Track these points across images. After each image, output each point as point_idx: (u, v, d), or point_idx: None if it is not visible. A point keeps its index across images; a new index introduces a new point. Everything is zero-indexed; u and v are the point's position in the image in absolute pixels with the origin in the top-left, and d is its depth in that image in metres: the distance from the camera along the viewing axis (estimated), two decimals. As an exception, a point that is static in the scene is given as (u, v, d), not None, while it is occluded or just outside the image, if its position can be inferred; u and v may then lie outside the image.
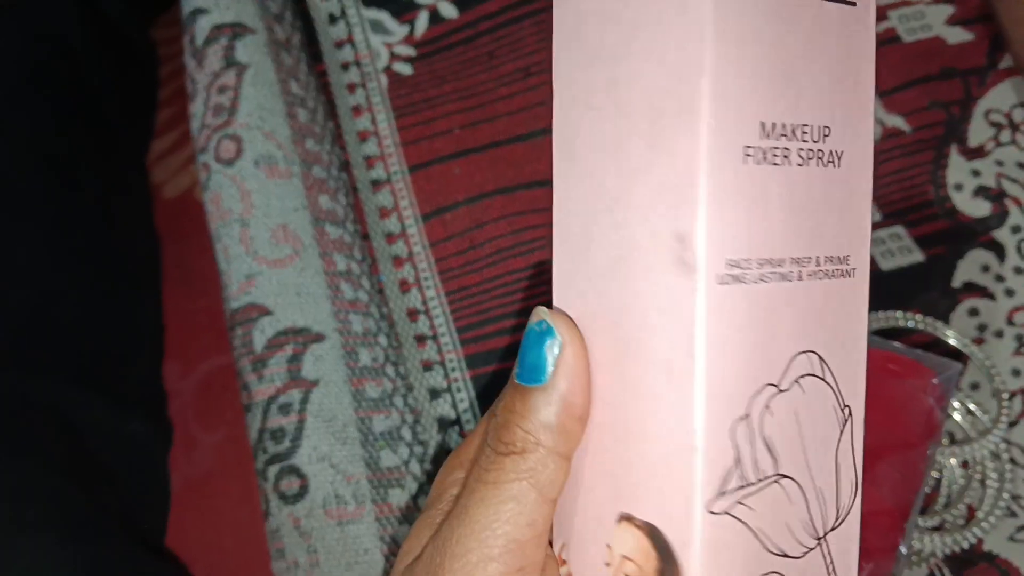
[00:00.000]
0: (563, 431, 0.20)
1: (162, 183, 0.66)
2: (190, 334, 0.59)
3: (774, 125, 0.19)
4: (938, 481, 0.38)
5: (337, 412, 0.36)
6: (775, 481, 0.20)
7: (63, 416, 0.46)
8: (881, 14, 0.47)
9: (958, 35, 0.46)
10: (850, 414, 0.20)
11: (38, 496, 0.42)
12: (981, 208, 0.43)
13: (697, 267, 0.18)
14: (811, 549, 0.20)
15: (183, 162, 0.66)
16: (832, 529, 0.20)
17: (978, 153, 0.44)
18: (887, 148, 0.45)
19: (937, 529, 0.37)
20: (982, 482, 0.38)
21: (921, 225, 0.43)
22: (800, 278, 0.19)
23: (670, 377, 0.19)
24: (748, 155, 0.18)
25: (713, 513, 0.19)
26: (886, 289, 0.42)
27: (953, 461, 0.38)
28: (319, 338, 0.38)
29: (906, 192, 0.44)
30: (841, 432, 0.20)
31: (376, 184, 0.45)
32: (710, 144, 0.18)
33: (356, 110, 0.46)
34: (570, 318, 0.21)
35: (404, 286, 0.43)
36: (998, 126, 0.45)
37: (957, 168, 0.44)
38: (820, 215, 0.20)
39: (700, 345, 0.18)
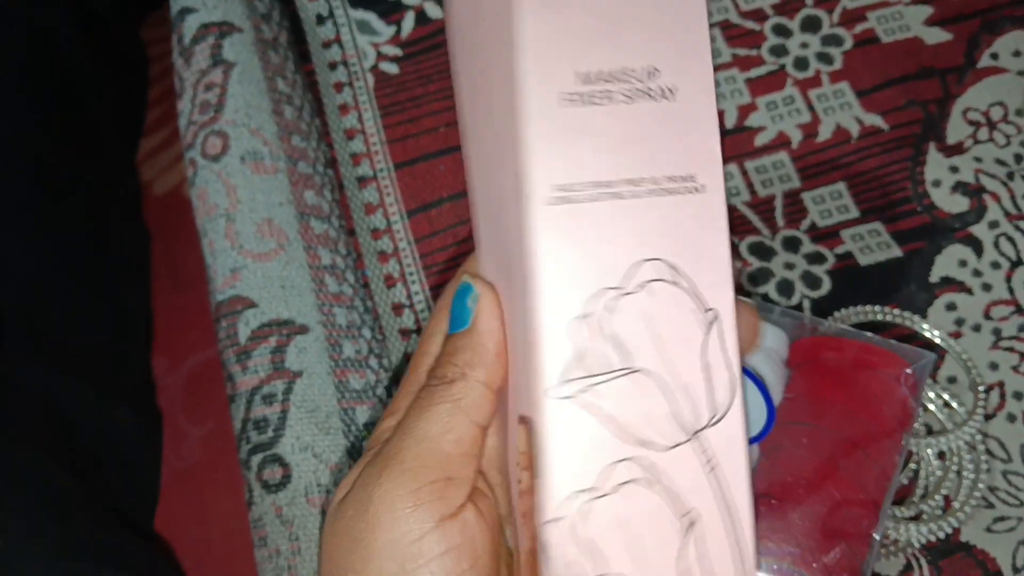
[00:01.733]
0: (483, 363, 0.24)
1: (151, 180, 0.66)
2: (177, 329, 0.60)
3: (589, 74, 0.22)
4: (915, 472, 0.39)
5: (320, 403, 0.37)
6: (625, 374, 0.22)
7: (53, 405, 0.47)
8: (860, 14, 0.48)
9: (936, 35, 0.47)
10: (716, 316, 0.22)
11: (28, 478, 0.43)
12: (959, 204, 0.44)
13: (526, 193, 0.21)
14: (681, 443, 0.22)
15: (172, 160, 0.66)
16: (708, 426, 0.22)
17: (956, 150, 0.45)
18: (865, 146, 0.45)
19: (914, 519, 0.38)
20: (959, 473, 0.39)
21: (899, 221, 0.44)
22: (636, 196, 0.22)
23: (521, 289, 0.22)
24: (567, 100, 0.22)
25: (556, 399, 0.22)
26: (865, 284, 0.42)
27: (930, 452, 0.38)
28: (303, 330, 0.38)
29: (884, 189, 0.44)
30: (707, 333, 0.22)
31: (362, 181, 0.45)
32: (524, 96, 0.21)
33: (343, 108, 0.47)
34: (488, 282, 0.25)
35: (389, 281, 0.44)
36: (976, 124, 0.45)
37: (935, 165, 0.45)
38: (655, 141, 0.22)
39: (531, 256, 0.21)
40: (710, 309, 0.22)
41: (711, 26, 0.48)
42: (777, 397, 0.35)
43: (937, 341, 0.41)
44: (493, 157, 0.24)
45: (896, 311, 0.41)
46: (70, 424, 0.47)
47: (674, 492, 0.22)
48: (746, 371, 0.35)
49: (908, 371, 0.34)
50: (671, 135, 0.22)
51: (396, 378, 0.41)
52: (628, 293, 0.22)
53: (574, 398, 0.22)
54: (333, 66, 0.48)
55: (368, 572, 0.22)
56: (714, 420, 0.22)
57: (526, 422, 0.22)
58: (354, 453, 0.37)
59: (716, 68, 0.47)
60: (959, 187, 0.44)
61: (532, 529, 0.22)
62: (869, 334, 0.35)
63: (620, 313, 0.22)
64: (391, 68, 0.47)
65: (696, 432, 0.22)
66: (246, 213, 0.39)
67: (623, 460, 0.22)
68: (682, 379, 0.22)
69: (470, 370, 0.24)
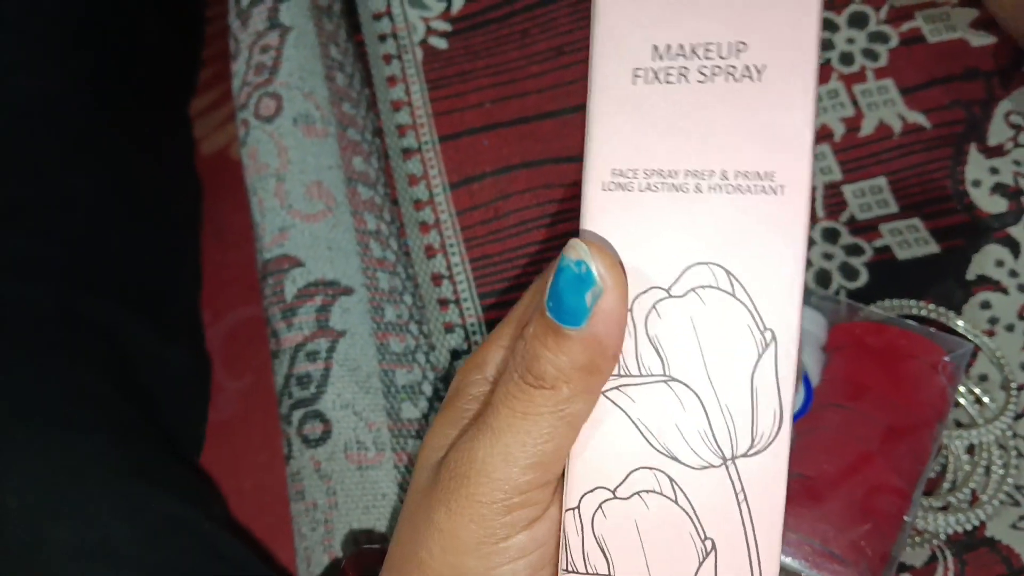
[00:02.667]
0: (596, 371, 0.20)
1: (199, 139, 0.67)
2: (220, 285, 0.61)
3: (668, 47, 0.20)
4: (944, 465, 0.39)
5: (362, 362, 0.37)
6: (664, 382, 0.20)
7: (113, 337, 0.48)
8: (907, 13, 0.48)
9: (982, 38, 0.47)
10: (773, 338, 0.19)
11: (89, 400, 0.44)
12: (998, 205, 0.44)
13: (585, 175, 0.20)
14: (713, 466, 0.20)
15: (220, 121, 0.67)
16: (745, 455, 0.20)
17: (997, 152, 0.45)
18: (907, 143, 0.45)
19: (942, 509, 0.38)
20: (987, 469, 0.39)
21: (938, 218, 0.44)
22: (699, 190, 0.20)
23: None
24: (638, 76, 0.20)
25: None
26: (901, 278, 0.43)
27: (959, 444, 0.39)
28: (347, 291, 0.39)
29: (924, 186, 0.45)
30: (760, 355, 0.19)
31: (407, 152, 0.46)
32: (597, 70, 0.20)
33: (391, 80, 0.47)
34: (612, 253, 0.20)
35: (430, 251, 0.44)
36: (1017, 127, 0.46)
37: (976, 165, 0.45)
38: (729, 129, 0.20)
39: (587, 240, 0.20)
40: (768, 329, 0.19)
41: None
42: (814, 379, 0.36)
43: (970, 338, 0.41)
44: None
45: (931, 306, 0.41)
46: (128, 357, 0.49)
47: (697, 513, 0.20)
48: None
49: (946, 359, 0.35)
50: (751, 123, 0.19)
51: (433, 347, 0.41)
52: (675, 296, 0.20)
53: (604, 393, 0.21)
54: (383, 38, 0.48)
55: (447, 563, 0.21)
56: (753, 450, 0.20)
57: None
58: (392, 414, 0.37)
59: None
60: (998, 188, 0.45)
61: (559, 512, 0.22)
62: (909, 321, 0.36)
63: (666, 316, 0.20)
64: (440, 43, 0.48)
65: (732, 458, 0.20)
66: (296, 174, 0.40)
67: (648, 468, 0.21)
68: (723, 399, 0.20)
69: (577, 379, 0.20)
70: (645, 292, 0.20)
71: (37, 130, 0.49)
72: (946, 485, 0.39)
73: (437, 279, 0.44)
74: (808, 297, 0.38)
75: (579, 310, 0.19)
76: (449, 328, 0.42)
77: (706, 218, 0.20)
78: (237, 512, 0.55)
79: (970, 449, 0.39)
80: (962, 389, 0.40)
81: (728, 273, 0.20)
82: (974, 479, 0.39)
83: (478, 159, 0.46)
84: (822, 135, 0.46)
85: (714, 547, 0.20)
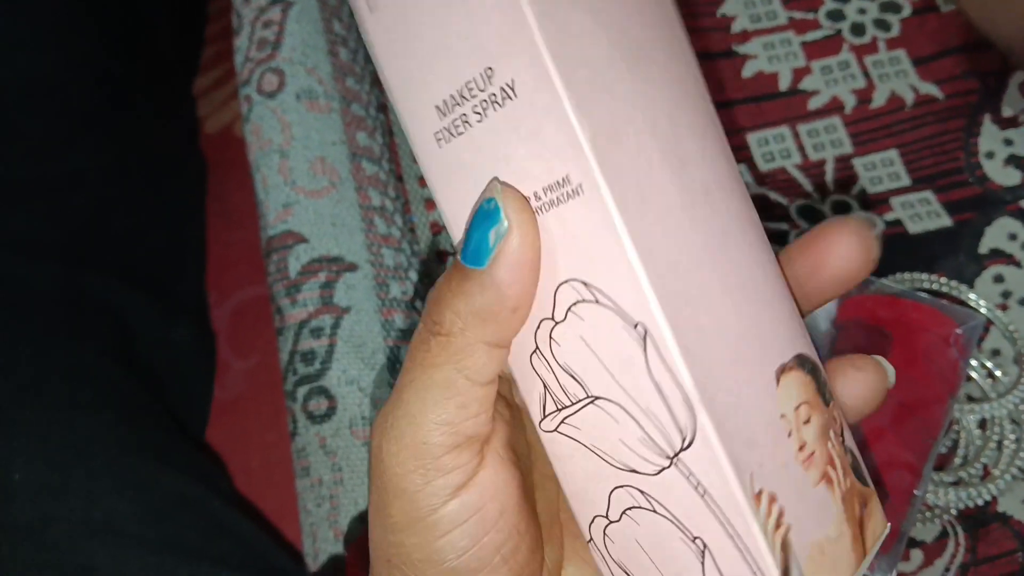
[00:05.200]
0: (494, 320, 0.19)
1: (204, 118, 0.67)
2: (225, 264, 0.61)
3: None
4: (955, 439, 0.39)
5: (367, 339, 0.37)
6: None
7: (118, 315, 0.48)
8: (920, -18, 0.47)
9: (997, 7, 0.46)
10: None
11: (93, 379, 0.44)
12: (1012, 177, 0.43)
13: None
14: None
15: (224, 99, 0.67)
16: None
17: (1011, 123, 0.44)
18: (919, 114, 0.45)
19: (953, 484, 0.38)
20: (999, 443, 0.38)
21: (951, 191, 0.43)
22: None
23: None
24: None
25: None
26: (913, 251, 0.42)
27: (971, 419, 0.38)
28: (352, 267, 0.38)
29: (937, 158, 0.44)
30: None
31: (412, 128, 0.46)
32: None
33: (395, 55, 0.47)
34: (525, 199, 0.19)
35: (435, 228, 0.44)
36: (1033, 98, 0.45)
37: (989, 137, 0.44)
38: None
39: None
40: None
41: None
42: (824, 353, 0.35)
43: (983, 312, 0.40)
44: None
45: (943, 280, 0.40)
46: (133, 336, 0.49)
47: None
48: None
49: (958, 332, 0.34)
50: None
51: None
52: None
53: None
54: (387, 13, 0.48)
55: (389, 543, 0.21)
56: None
57: (803, 364, 0.21)
58: (398, 390, 0.37)
59: (772, 30, 0.47)
60: (1012, 160, 0.44)
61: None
62: (921, 294, 0.35)
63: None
64: (444, 17, 0.47)
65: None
66: (300, 150, 0.39)
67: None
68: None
69: (473, 326, 0.19)
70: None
71: (40, 109, 0.49)
72: (957, 460, 0.39)
73: (443, 256, 0.43)
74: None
75: (483, 249, 0.19)
76: (455, 305, 0.42)
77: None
78: (244, 489, 0.55)
79: (982, 424, 0.39)
80: (974, 363, 0.39)
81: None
82: (986, 454, 0.38)
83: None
84: (833, 107, 0.45)
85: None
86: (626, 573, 0.21)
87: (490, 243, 0.19)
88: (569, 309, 0.19)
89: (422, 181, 0.45)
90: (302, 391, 0.37)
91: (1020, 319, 0.41)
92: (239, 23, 0.43)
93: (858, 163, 0.44)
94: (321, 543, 0.35)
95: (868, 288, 0.37)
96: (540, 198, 0.19)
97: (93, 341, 0.46)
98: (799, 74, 0.46)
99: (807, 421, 0.20)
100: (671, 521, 0.20)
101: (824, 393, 0.21)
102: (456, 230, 0.20)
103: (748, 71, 0.46)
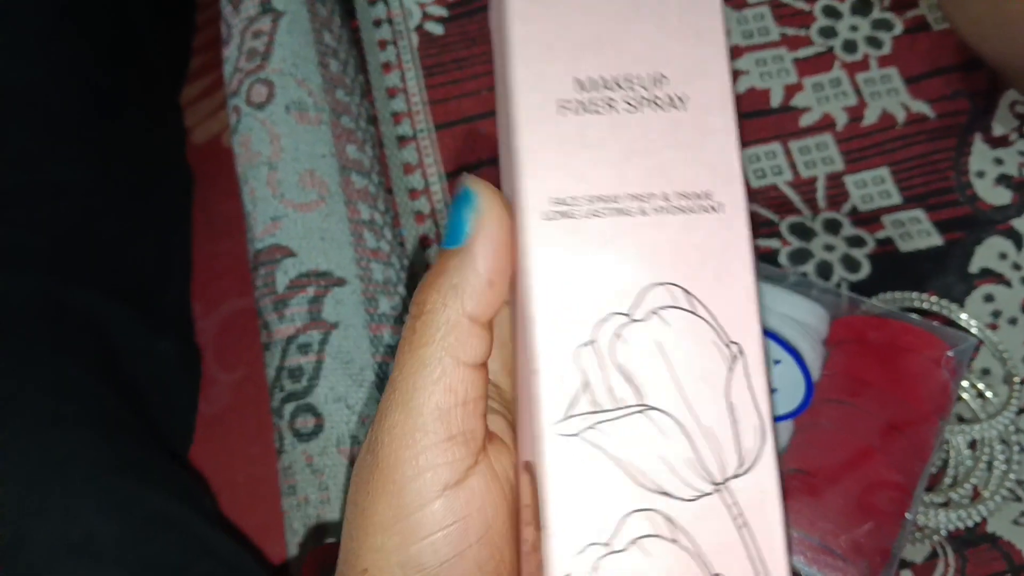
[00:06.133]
0: (472, 294, 0.20)
1: (191, 128, 0.67)
2: (212, 276, 0.60)
3: (591, 79, 0.21)
4: (945, 460, 0.39)
5: (355, 355, 0.37)
6: (638, 411, 0.19)
7: (101, 329, 0.47)
8: (911, 0, 0.47)
9: (987, 26, 0.47)
10: (740, 351, 0.19)
11: (75, 393, 0.43)
12: (1002, 196, 0.43)
13: (523, 206, 0.20)
14: (707, 494, 0.19)
15: (213, 109, 0.66)
16: (735, 476, 0.19)
17: (1002, 142, 0.44)
18: (911, 133, 0.45)
19: (943, 505, 0.38)
20: (989, 464, 0.38)
21: (941, 210, 0.43)
22: (644, 213, 0.20)
23: (521, 312, 0.20)
24: (564, 107, 0.20)
25: (560, 436, 0.19)
26: (904, 270, 0.42)
27: (961, 440, 0.38)
28: (340, 282, 0.38)
29: (927, 177, 0.44)
30: (731, 370, 0.19)
31: (402, 140, 0.45)
32: (519, 104, 0.20)
33: (386, 67, 0.47)
34: (495, 189, 0.21)
35: (425, 242, 0.43)
36: (1022, 118, 0.45)
37: (980, 156, 0.44)
38: (663, 153, 0.20)
39: (530, 273, 0.20)
40: (734, 343, 0.19)
41: (728, 31, 0.48)
42: (815, 373, 0.35)
43: (973, 331, 0.40)
44: (506, 168, 0.22)
45: (934, 299, 0.40)
46: (116, 350, 0.48)
47: (700, 550, 0.19)
48: (784, 345, 0.35)
49: (949, 354, 0.34)
50: (682, 147, 0.20)
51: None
52: (638, 320, 0.20)
53: (580, 435, 0.19)
54: (378, 23, 0.47)
55: (368, 546, 0.20)
56: (742, 470, 0.19)
57: (530, 469, 0.20)
58: (386, 407, 0.37)
59: (764, 46, 0.47)
60: (1003, 180, 0.44)
61: None
62: (912, 315, 0.35)
63: (630, 342, 0.19)
64: (436, 28, 0.47)
65: (722, 482, 0.19)
66: (289, 162, 0.39)
67: (640, 510, 0.19)
68: (703, 421, 0.19)
69: (452, 299, 0.20)
70: (605, 319, 0.20)
71: (22, 118, 0.48)
72: (947, 481, 0.39)
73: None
74: (809, 290, 0.37)
75: (460, 229, 0.20)
76: (444, 320, 0.41)
77: (655, 240, 0.20)
78: (229, 506, 0.55)
79: (972, 444, 0.39)
80: (964, 383, 0.39)
81: (685, 292, 0.20)
82: (976, 475, 0.38)
83: (475, 147, 0.45)
84: (824, 124, 0.45)
85: None
86: None
87: (466, 223, 0.20)
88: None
89: (413, 194, 0.44)
90: (289, 408, 0.36)
91: (1010, 339, 0.41)
92: (228, 33, 0.42)
93: (849, 181, 0.44)
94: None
95: (859, 308, 0.37)
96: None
97: (75, 355, 0.45)
98: (791, 91, 0.46)
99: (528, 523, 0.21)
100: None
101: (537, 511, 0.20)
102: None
103: (740, 87, 0.46)
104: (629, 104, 0.20)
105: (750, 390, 0.19)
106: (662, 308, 0.19)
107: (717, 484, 0.19)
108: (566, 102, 0.20)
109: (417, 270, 0.43)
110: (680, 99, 0.20)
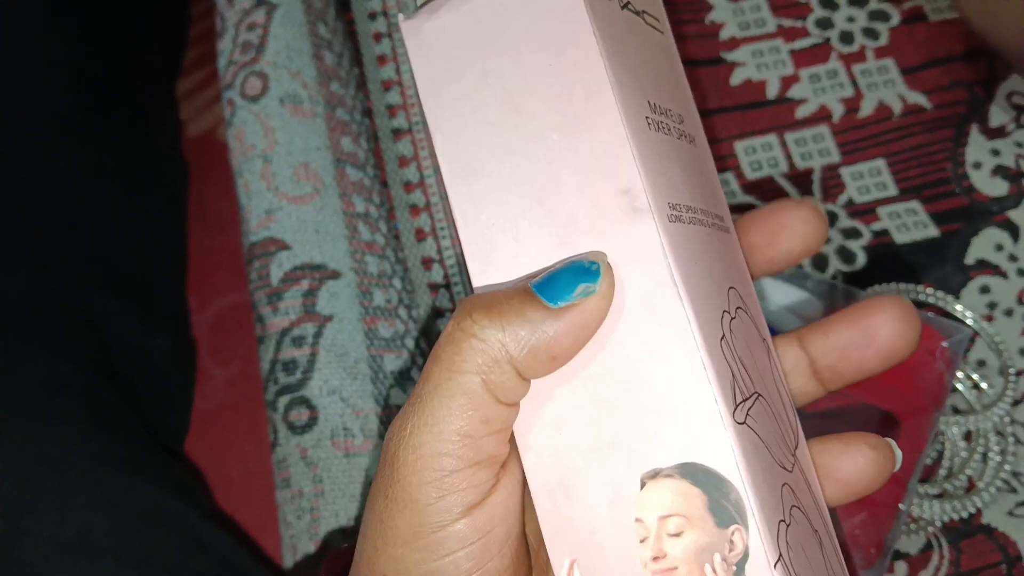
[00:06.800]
0: (532, 357, 0.19)
1: (185, 121, 0.66)
2: (206, 270, 0.60)
3: (656, 105, 0.22)
4: (940, 451, 0.39)
5: (349, 348, 0.37)
6: (758, 397, 0.20)
7: (95, 324, 0.47)
8: (909, -9, 0.47)
9: (984, 17, 0.46)
10: (769, 347, 0.22)
11: (68, 389, 0.43)
12: (999, 187, 0.43)
13: (651, 210, 0.20)
14: (794, 464, 0.21)
15: (207, 102, 0.66)
16: (796, 447, 0.21)
17: (999, 133, 0.44)
18: (907, 124, 0.45)
19: (938, 496, 0.38)
20: (984, 456, 0.38)
21: (937, 201, 0.43)
22: (706, 225, 0.22)
23: (655, 315, 0.20)
24: (648, 123, 0.21)
25: (738, 423, 0.19)
26: (899, 262, 0.42)
27: (956, 431, 0.38)
28: (335, 275, 0.38)
29: (924, 168, 0.44)
30: (770, 361, 0.21)
31: (397, 133, 0.45)
32: (624, 114, 0.20)
33: (381, 59, 0.46)
34: (615, 280, 0.20)
35: (420, 235, 0.43)
36: (1020, 108, 0.45)
37: (977, 147, 0.44)
38: (698, 177, 0.22)
39: (676, 274, 0.19)
40: (764, 339, 0.22)
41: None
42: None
43: (969, 323, 0.40)
44: (545, 183, 0.21)
45: (929, 290, 0.40)
46: (110, 345, 0.48)
47: (807, 512, 0.21)
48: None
49: (944, 345, 0.34)
50: (702, 175, 0.23)
51: (424, 332, 0.41)
52: (733, 318, 0.21)
53: (745, 422, 0.20)
54: (373, 16, 0.47)
55: (388, 555, 0.20)
56: (796, 444, 0.21)
57: (675, 472, 0.20)
58: (380, 401, 0.37)
59: (761, 38, 0.47)
60: (999, 171, 0.44)
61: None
62: (907, 307, 0.35)
63: (736, 337, 0.21)
64: (431, 21, 0.47)
65: (793, 453, 0.21)
66: (283, 155, 0.39)
67: (784, 484, 0.20)
68: (775, 403, 0.21)
69: (512, 346, 0.19)
70: (722, 317, 0.21)
71: (14, 112, 0.48)
72: (942, 472, 0.39)
73: (427, 263, 0.43)
74: (804, 282, 0.37)
75: (564, 292, 0.19)
76: (440, 313, 0.41)
77: (719, 248, 0.22)
78: (224, 500, 0.55)
79: (967, 436, 0.39)
80: (960, 375, 0.39)
81: (738, 294, 0.22)
82: (971, 466, 0.38)
83: (470, 140, 0.45)
84: (821, 116, 0.45)
85: (821, 539, 0.21)
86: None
87: (572, 291, 0.19)
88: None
89: (407, 186, 0.44)
90: (283, 401, 0.36)
91: (1006, 330, 0.41)
92: (223, 25, 0.42)
93: (845, 172, 0.44)
94: (301, 556, 0.34)
95: (854, 300, 0.37)
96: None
97: (69, 350, 0.45)
98: (787, 82, 0.46)
99: (676, 535, 0.19)
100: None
101: (721, 513, 0.19)
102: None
103: (736, 79, 0.46)
104: (674, 131, 0.23)
105: (782, 378, 0.23)
106: (737, 307, 0.21)
107: (794, 454, 0.21)
108: (649, 118, 0.21)
109: (412, 264, 0.43)
110: (690, 137, 0.23)
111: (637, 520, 0.19)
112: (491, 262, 0.21)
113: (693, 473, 0.19)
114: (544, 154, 0.21)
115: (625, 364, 0.20)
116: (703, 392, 0.19)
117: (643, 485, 0.19)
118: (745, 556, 0.19)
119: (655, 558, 0.19)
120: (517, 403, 0.20)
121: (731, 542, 0.19)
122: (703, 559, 0.19)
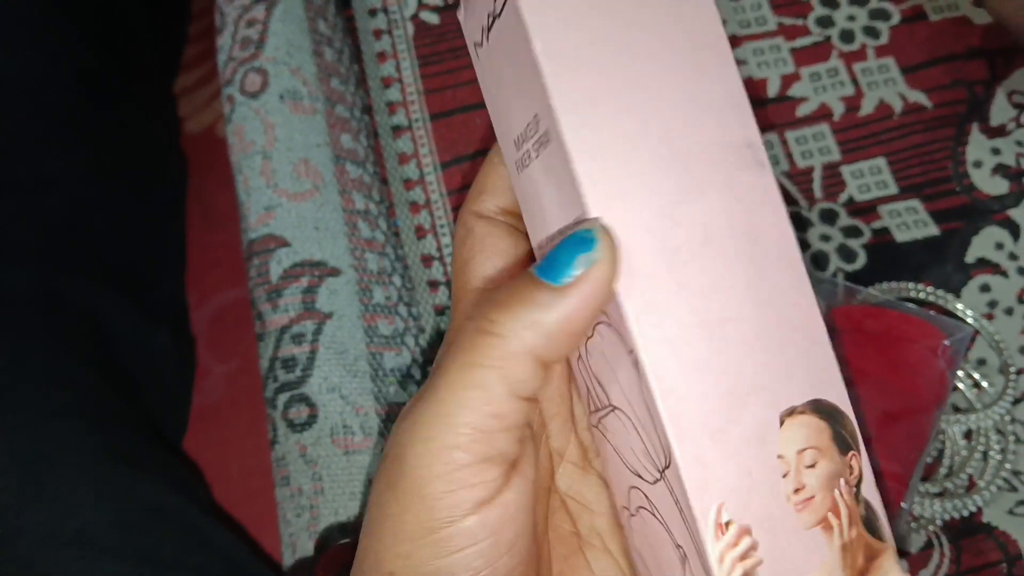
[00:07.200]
0: (551, 339, 0.19)
1: (185, 118, 0.66)
2: (206, 267, 0.60)
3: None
4: (941, 450, 0.39)
5: (349, 345, 0.37)
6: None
7: (95, 319, 0.47)
8: (910, -10, 0.47)
9: (985, 16, 0.46)
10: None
11: (69, 384, 0.43)
12: (999, 186, 0.43)
13: (767, 164, 0.21)
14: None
15: (207, 99, 0.66)
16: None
17: (999, 132, 0.44)
18: (908, 123, 0.45)
19: (938, 495, 0.38)
20: (984, 454, 0.38)
21: (938, 200, 0.43)
22: None
23: (780, 262, 0.21)
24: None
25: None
26: (900, 260, 0.42)
27: (956, 430, 0.38)
28: (335, 272, 0.38)
29: (924, 167, 0.44)
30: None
31: (397, 130, 0.45)
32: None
33: (381, 56, 0.46)
34: (616, 243, 0.20)
35: (420, 232, 0.43)
36: (1020, 107, 0.45)
37: (977, 146, 0.44)
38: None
39: (784, 220, 0.21)
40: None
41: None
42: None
43: (970, 321, 0.40)
44: (671, 124, 0.21)
45: (930, 289, 0.40)
46: (110, 340, 0.48)
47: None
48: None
49: (945, 343, 0.34)
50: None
51: (424, 330, 0.41)
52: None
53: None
54: (373, 13, 0.47)
55: (395, 552, 0.20)
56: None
57: (807, 407, 0.21)
58: (380, 398, 0.37)
59: (762, 36, 0.47)
60: (1000, 169, 0.44)
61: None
62: (909, 304, 0.35)
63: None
64: (432, 18, 0.47)
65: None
66: (283, 152, 0.39)
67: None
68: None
69: (526, 333, 0.19)
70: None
71: (13, 109, 0.48)
72: (943, 471, 0.38)
73: (427, 260, 0.43)
74: (805, 280, 0.37)
75: (564, 269, 0.19)
76: (439, 310, 0.41)
77: None
78: (223, 497, 0.54)
79: (968, 434, 0.39)
80: (960, 373, 0.39)
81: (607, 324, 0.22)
82: (971, 465, 0.38)
83: (470, 138, 0.45)
84: (821, 114, 0.45)
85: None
86: (642, 561, 0.22)
87: (572, 265, 0.19)
88: (596, 326, 0.20)
89: (407, 184, 0.44)
90: (283, 398, 0.36)
91: (1006, 329, 0.41)
92: (222, 21, 0.42)
93: (846, 171, 0.44)
94: (300, 554, 0.34)
95: (855, 298, 0.37)
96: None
97: (69, 345, 0.45)
98: (788, 80, 0.45)
99: (811, 465, 0.20)
100: (664, 527, 0.21)
101: (841, 442, 0.21)
102: (534, 249, 0.22)
103: (737, 77, 0.46)
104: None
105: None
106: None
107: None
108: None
109: (411, 261, 0.42)
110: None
111: (779, 456, 0.20)
112: (615, 196, 0.20)
113: (820, 408, 0.20)
114: (668, 94, 0.21)
115: (762, 308, 0.20)
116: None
117: (782, 423, 0.20)
118: (860, 479, 0.21)
119: (796, 490, 0.20)
120: (532, 398, 0.20)
121: (850, 467, 0.21)
122: (832, 485, 0.20)
